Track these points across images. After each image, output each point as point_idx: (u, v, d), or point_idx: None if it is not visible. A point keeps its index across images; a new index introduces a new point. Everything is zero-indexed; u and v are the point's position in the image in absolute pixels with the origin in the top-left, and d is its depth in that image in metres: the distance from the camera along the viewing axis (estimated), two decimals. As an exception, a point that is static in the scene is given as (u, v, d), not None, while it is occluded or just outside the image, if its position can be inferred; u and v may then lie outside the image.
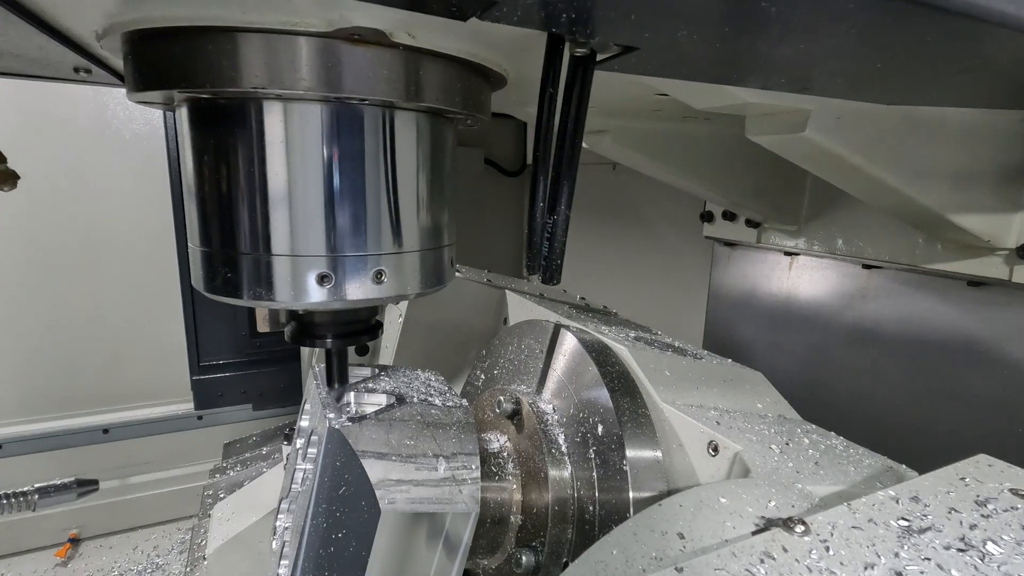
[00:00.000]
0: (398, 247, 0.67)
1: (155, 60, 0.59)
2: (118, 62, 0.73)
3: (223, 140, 0.62)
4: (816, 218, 1.49)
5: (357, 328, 0.76)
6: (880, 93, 0.83)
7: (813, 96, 0.83)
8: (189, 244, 0.69)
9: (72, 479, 1.27)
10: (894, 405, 1.39)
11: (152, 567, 2.38)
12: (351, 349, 0.81)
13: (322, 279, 0.63)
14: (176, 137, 2.40)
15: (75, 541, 2.48)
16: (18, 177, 1.04)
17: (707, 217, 1.81)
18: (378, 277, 0.66)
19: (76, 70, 0.85)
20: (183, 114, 0.65)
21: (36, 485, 1.20)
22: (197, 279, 0.69)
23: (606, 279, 2.62)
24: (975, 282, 1.22)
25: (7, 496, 1.19)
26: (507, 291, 1.36)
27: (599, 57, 0.59)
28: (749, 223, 1.66)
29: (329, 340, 0.75)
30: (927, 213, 1.03)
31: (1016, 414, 1.19)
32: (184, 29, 0.56)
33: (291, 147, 0.61)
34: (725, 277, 1.86)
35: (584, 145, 1.10)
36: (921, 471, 0.68)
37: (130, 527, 2.59)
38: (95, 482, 1.28)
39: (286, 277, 0.63)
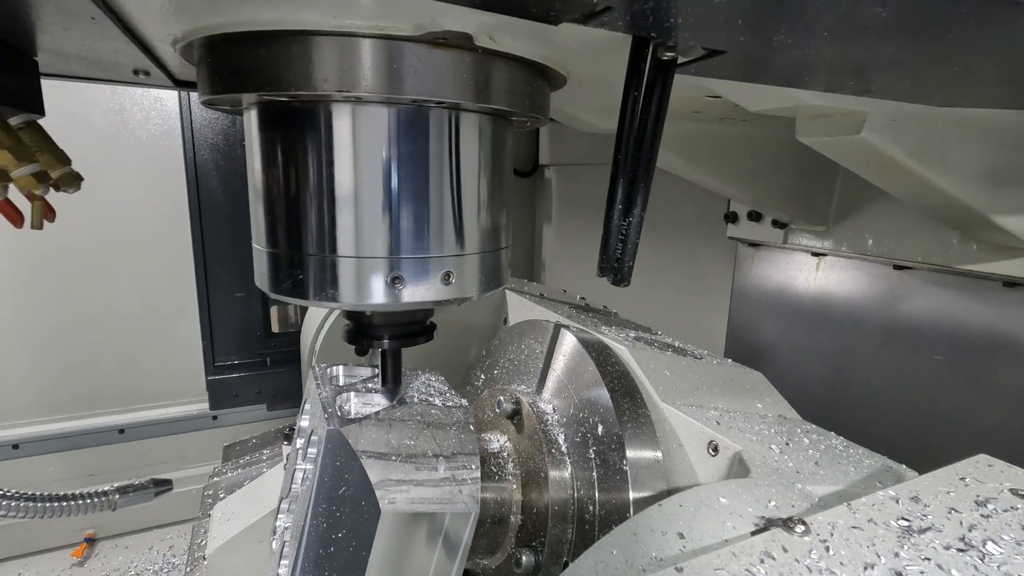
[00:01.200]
0: (462, 249, 0.67)
1: (236, 64, 0.59)
2: (176, 64, 0.74)
3: (294, 142, 0.62)
4: (845, 218, 1.46)
5: (415, 329, 0.77)
6: (937, 95, 0.82)
7: (871, 98, 0.82)
8: (254, 245, 0.69)
9: (148, 479, 1.31)
10: (926, 408, 1.37)
11: (168, 567, 2.39)
12: (350, 349, 0.81)
13: (394, 281, 0.64)
14: (192, 140, 2.42)
15: (91, 541, 2.49)
16: (82, 179, 1.05)
17: (731, 218, 1.77)
18: (447, 279, 0.66)
19: (136, 72, 0.85)
20: (252, 117, 0.65)
21: (115, 485, 1.22)
22: (262, 280, 0.69)
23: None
24: (1011, 283, 1.20)
25: (89, 496, 1.21)
26: (507, 291, 1.36)
27: (680, 60, 0.59)
28: (776, 224, 1.62)
29: (386, 341, 0.75)
30: (970, 214, 1.02)
31: None
32: (267, 33, 0.56)
33: (361, 149, 0.61)
34: (749, 278, 1.82)
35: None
36: (919, 459, 0.68)
37: (146, 527, 2.61)
38: (169, 482, 1.31)
39: (356, 279, 0.63)
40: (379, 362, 0.79)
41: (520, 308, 1.29)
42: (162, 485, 1.32)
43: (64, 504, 1.24)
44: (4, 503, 1.18)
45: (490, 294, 0.73)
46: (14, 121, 0.85)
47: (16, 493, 1.21)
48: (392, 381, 0.79)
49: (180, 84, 0.93)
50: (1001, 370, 1.24)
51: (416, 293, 0.65)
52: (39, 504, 1.21)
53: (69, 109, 2.27)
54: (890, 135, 0.88)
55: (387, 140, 0.61)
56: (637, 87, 0.59)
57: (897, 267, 1.40)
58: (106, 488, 1.24)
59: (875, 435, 1.44)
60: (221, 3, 0.53)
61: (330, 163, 0.61)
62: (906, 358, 1.40)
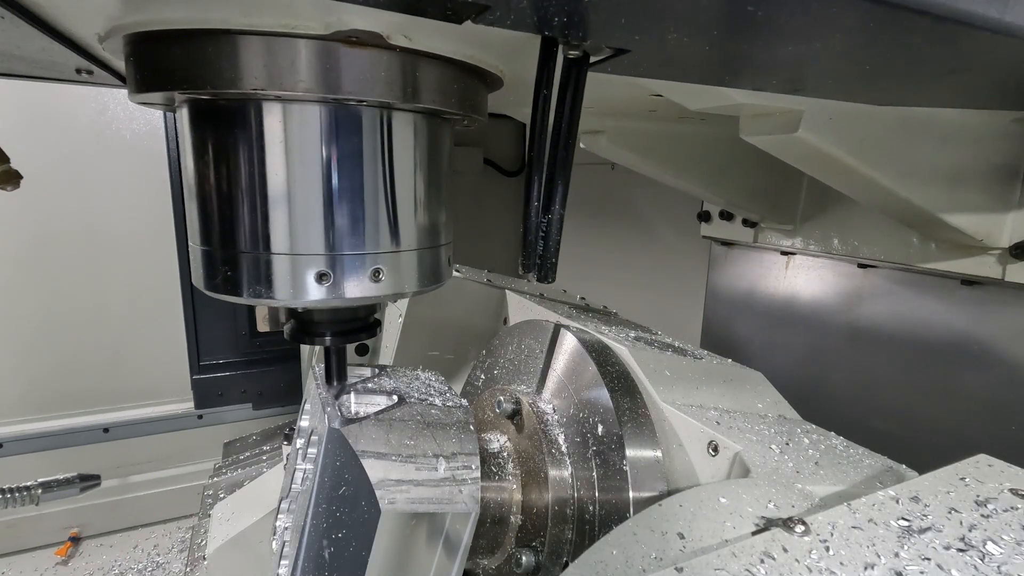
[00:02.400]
0: (396, 246, 0.68)
1: (156, 62, 0.60)
2: (119, 63, 0.73)
3: (223, 140, 0.62)
4: (812, 218, 1.50)
5: (356, 326, 0.77)
6: (870, 94, 0.83)
7: (805, 97, 0.84)
8: (190, 243, 0.70)
9: (75, 474, 1.28)
10: (890, 402, 1.41)
11: (152, 565, 2.38)
12: (351, 349, 0.81)
13: (321, 277, 0.64)
14: (176, 137, 2.43)
15: (76, 540, 2.48)
16: (21, 177, 1.05)
17: (704, 217, 1.82)
18: (376, 275, 0.67)
19: (78, 71, 0.85)
20: (183, 115, 0.66)
21: (39, 480, 1.20)
22: (197, 278, 0.70)
23: (604, 278, 2.63)
24: (969, 281, 1.23)
25: (11, 491, 1.20)
26: (507, 291, 1.36)
27: (592, 59, 0.60)
28: (746, 223, 1.67)
29: (328, 338, 0.75)
30: (920, 213, 1.04)
31: (1009, 412, 1.20)
32: (185, 32, 0.56)
33: (290, 147, 0.61)
34: (722, 276, 1.87)
35: (581, 145, 1.13)
36: (919, 469, 0.68)
37: (131, 526, 2.60)
38: (97, 477, 1.29)
39: (285, 276, 0.64)
40: (324, 362, 0.79)
41: (520, 308, 1.29)
42: (89, 480, 1.30)
43: None
44: None
45: (429, 290, 0.74)
46: None
47: None
48: (337, 379, 0.79)
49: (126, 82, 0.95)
50: (960, 366, 1.27)
51: (345, 290, 0.65)
52: None
53: (53, 109, 2.27)
54: (828, 133, 0.90)
55: (313, 138, 0.61)
56: (547, 85, 0.60)
57: (861, 265, 1.44)
58: (28, 484, 1.22)
59: (842, 427, 1.45)
60: (130, 1, 0.53)
61: (257, 161, 0.61)
62: (870, 354, 1.44)
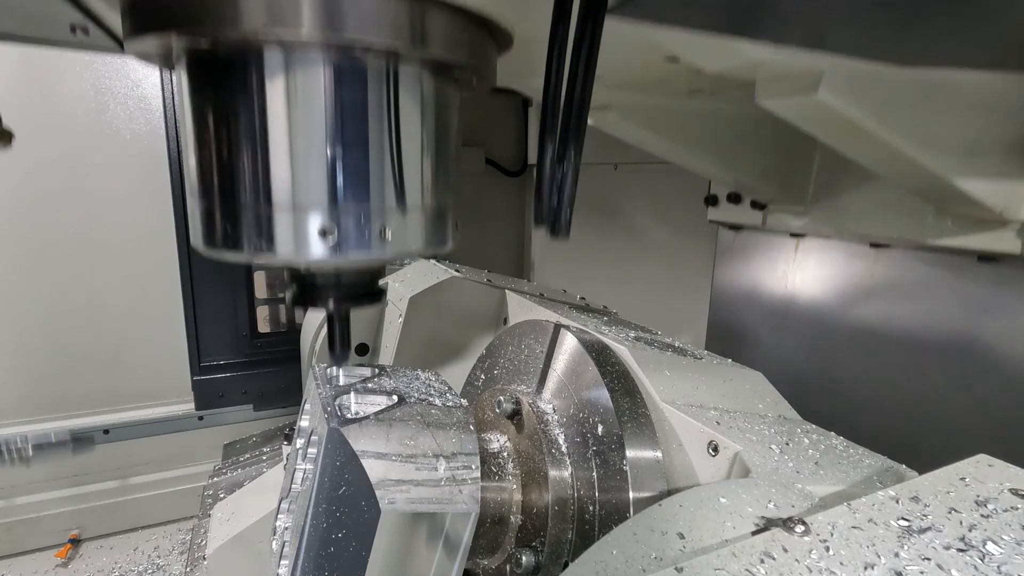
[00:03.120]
0: (401, 205, 0.65)
1: (151, 3, 0.57)
2: (114, 19, 0.71)
3: (223, 91, 0.60)
4: (823, 198, 1.46)
5: (359, 291, 0.74)
6: (896, 50, 0.79)
7: (826, 56, 0.80)
8: (188, 201, 0.67)
9: (67, 433, 1.26)
10: (903, 385, 1.37)
11: (153, 567, 2.37)
12: (350, 348, 0.80)
13: (324, 233, 0.62)
14: (176, 138, 2.43)
15: (75, 542, 2.47)
16: (13, 135, 1.03)
17: (712, 201, 1.77)
18: (381, 233, 0.64)
19: (73, 29, 0.82)
20: (181, 68, 0.63)
21: (31, 437, 1.18)
22: (196, 237, 0.67)
23: (609, 276, 2.63)
24: (986, 257, 1.19)
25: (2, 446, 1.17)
26: (507, 291, 1.36)
27: (610, 4, 0.57)
28: (755, 205, 1.62)
29: (331, 301, 0.73)
30: (938, 183, 1.00)
31: None
32: None
33: (293, 97, 0.59)
34: (730, 262, 1.83)
35: (589, 122, 1.10)
36: (925, 464, 0.68)
37: (131, 528, 2.59)
38: (91, 438, 1.26)
39: (287, 230, 0.62)
40: (327, 330, 0.77)
41: (520, 308, 1.29)
42: (81, 440, 1.28)
43: None
44: None
45: (433, 253, 0.72)
46: None
47: None
48: (340, 346, 0.77)
49: (122, 44, 0.95)
50: (976, 344, 1.23)
51: (349, 247, 0.63)
52: None
53: (53, 109, 2.27)
54: (848, 95, 0.87)
55: (317, 87, 0.59)
56: (564, 24, 0.57)
57: (874, 245, 1.40)
58: (18, 441, 1.19)
59: (853, 415, 1.44)
60: None
61: (259, 111, 0.59)
62: (884, 338, 1.40)
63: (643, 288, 2.41)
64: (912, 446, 1.35)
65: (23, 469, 1.19)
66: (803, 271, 1.59)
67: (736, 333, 1.82)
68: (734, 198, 1.68)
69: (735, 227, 1.77)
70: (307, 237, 0.62)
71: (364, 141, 0.61)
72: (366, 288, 0.75)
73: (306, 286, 0.73)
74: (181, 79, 0.64)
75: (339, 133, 0.60)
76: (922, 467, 0.68)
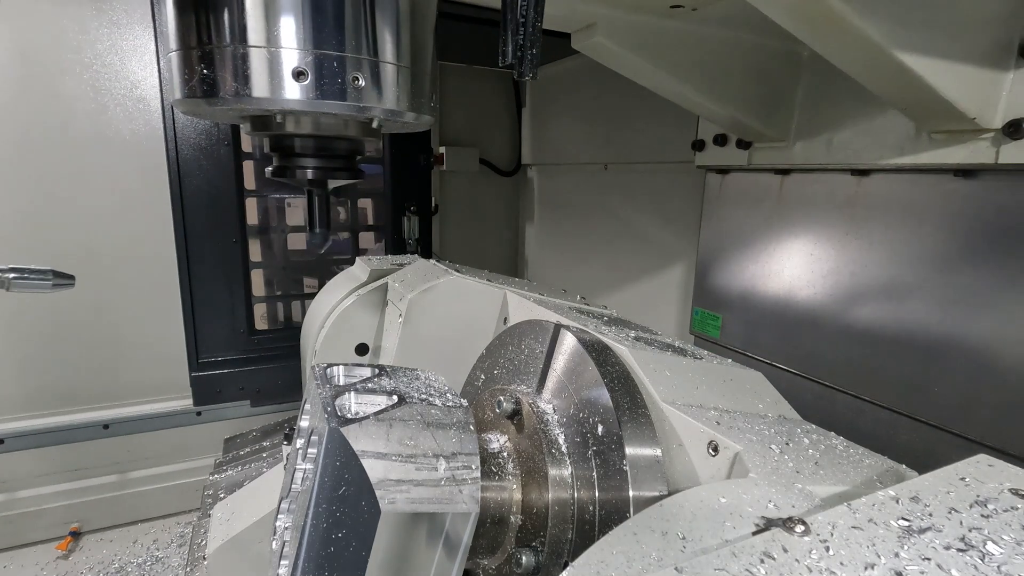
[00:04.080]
0: (375, 55, 0.66)
1: None
2: None
3: None
4: (806, 130, 1.49)
5: (337, 164, 0.76)
6: None
7: None
8: (169, 55, 0.68)
9: (49, 268, 1.25)
10: (883, 312, 1.41)
11: (152, 560, 2.41)
12: (351, 349, 0.81)
13: (298, 75, 0.63)
14: (175, 138, 2.46)
15: (76, 535, 2.51)
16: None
17: (698, 146, 1.80)
18: (354, 82, 0.65)
19: None
20: None
21: (12, 266, 1.17)
22: (175, 87, 0.68)
23: (598, 268, 2.71)
24: (962, 171, 1.21)
25: None
26: (507, 291, 1.36)
27: None
28: (740, 144, 1.65)
29: (310, 171, 0.75)
30: (914, 85, 1.01)
31: (1007, 310, 1.18)
32: None
33: None
34: (717, 207, 1.85)
35: (573, 46, 1.13)
36: (919, 468, 0.68)
37: (130, 521, 2.64)
38: (72, 278, 1.25)
39: (262, 70, 0.62)
40: (307, 206, 0.78)
41: (520, 308, 1.29)
42: (63, 278, 1.27)
43: None
44: None
45: (406, 115, 0.72)
46: None
47: None
48: (320, 223, 0.78)
49: None
50: (955, 260, 1.25)
51: (322, 93, 0.64)
52: None
53: (52, 110, 2.30)
54: None
55: None
56: None
57: (855, 173, 1.43)
58: (2, 267, 1.19)
59: (837, 352, 1.47)
60: None
61: None
62: (866, 265, 1.42)
63: (630, 280, 2.50)
64: (887, 370, 1.37)
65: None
66: (788, 208, 1.62)
67: (723, 279, 1.83)
68: (720, 140, 1.71)
69: (722, 171, 1.79)
70: (282, 78, 0.62)
71: None
72: (344, 161, 0.76)
73: (286, 153, 0.74)
74: None
75: None
76: (922, 467, 0.68)
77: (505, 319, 1.37)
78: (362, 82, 0.65)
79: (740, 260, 1.78)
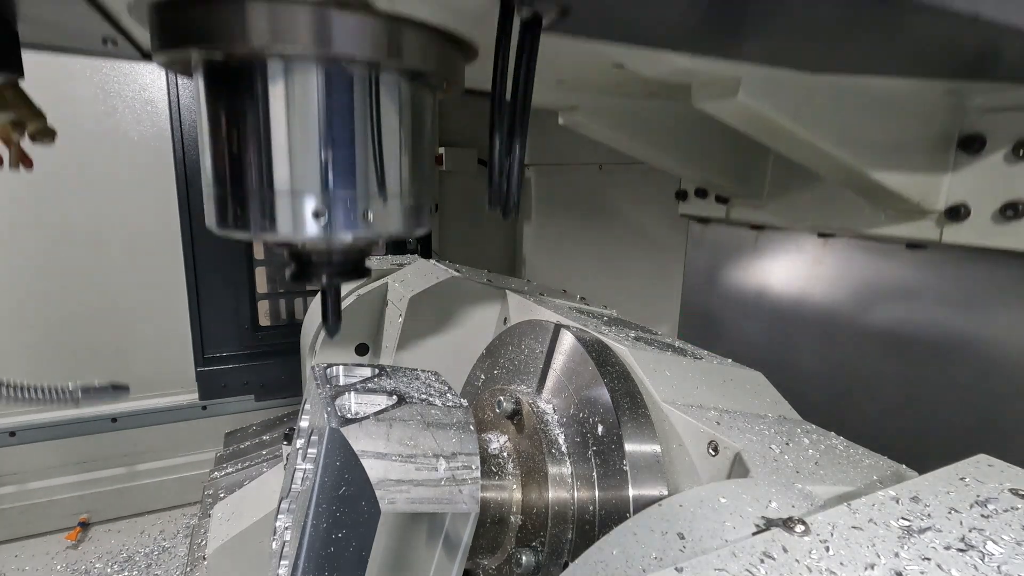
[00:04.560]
0: (382, 192, 0.77)
1: (178, 24, 0.69)
2: (141, 34, 0.84)
3: (233, 94, 0.72)
4: (777, 193, 1.61)
5: (348, 268, 0.86)
6: (806, 61, 0.89)
7: (742, 64, 0.89)
8: (204, 189, 0.79)
9: (108, 383, 1.43)
10: (846, 362, 1.56)
11: (159, 550, 2.47)
12: (351, 349, 0.84)
13: (316, 215, 0.73)
14: (181, 139, 2.49)
15: (85, 525, 2.56)
16: (55, 133, 1.17)
17: (682, 196, 1.95)
18: (365, 216, 0.76)
19: (104, 41, 0.95)
20: (199, 74, 0.75)
21: (78, 383, 1.36)
22: (211, 219, 0.79)
23: (593, 267, 2.75)
24: (912, 244, 1.34)
25: (56, 390, 1.33)
26: (507, 291, 1.36)
27: (544, 21, 0.68)
28: (719, 199, 1.79)
29: (324, 277, 0.84)
30: (861, 177, 1.09)
31: (950, 364, 1.33)
32: None
33: (291, 100, 0.70)
34: (700, 252, 2.02)
35: (560, 121, 1.32)
36: (919, 469, 0.68)
37: (137, 512, 2.69)
38: (127, 387, 1.43)
39: (287, 212, 0.73)
40: (322, 303, 0.89)
41: (520, 308, 1.29)
42: (120, 388, 1.44)
43: (32, 394, 1.33)
44: None
45: (410, 233, 0.84)
46: None
47: None
48: (332, 318, 0.87)
49: (146, 56, 1.04)
50: (906, 324, 1.41)
51: (338, 227, 0.74)
52: (8, 389, 1.30)
53: (63, 113, 2.33)
54: (765, 98, 0.96)
55: (311, 91, 0.70)
56: (506, 36, 0.68)
57: (821, 235, 1.57)
58: (70, 386, 1.37)
59: (807, 392, 1.65)
60: None
61: (263, 111, 0.70)
62: (830, 318, 1.59)
63: (622, 277, 2.57)
64: (845, 419, 1.54)
65: (73, 409, 1.38)
66: (763, 260, 1.78)
67: (706, 317, 2.00)
68: (701, 193, 1.85)
69: (703, 220, 1.95)
70: (303, 218, 0.73)
71: (351, 137, 0.73)
72: (354, 265, 0.86)
73: (303, 263, 0.85)
74: (198, 85, 0.75)
75: (329, 131, 0.72)
76: (922, 467, 0.68)
77: (505, 319, 1.37)
78: (372, 216, 0.76)
79: (720, 304, 1.94)
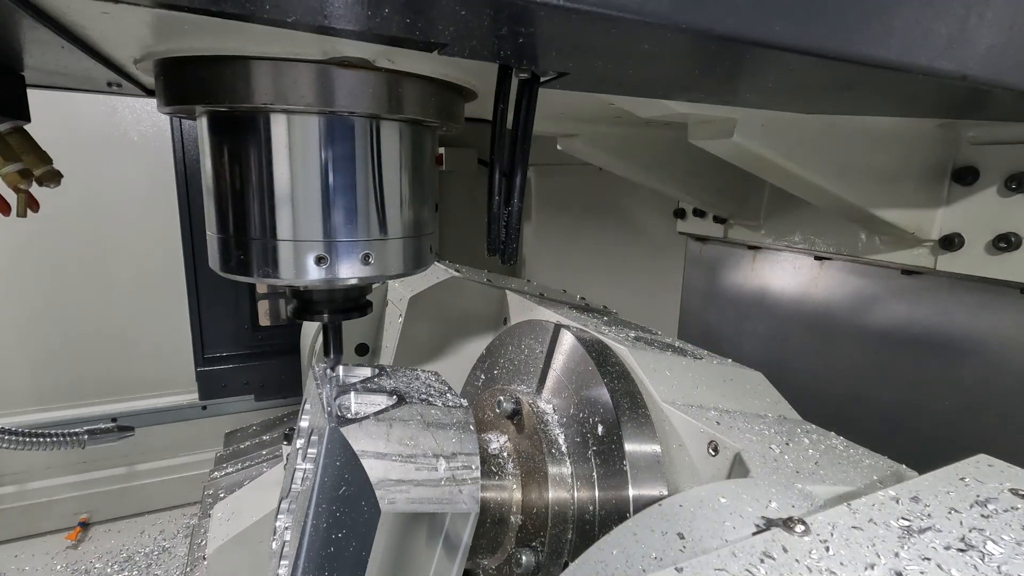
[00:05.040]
0: (383, 235, 0.78)
1: (184, 81, 0.70)
2: (145, 78, 0.87)
3: (237, 144, 0.73)
4: (775, 215, 1.62)
5: (349, 305, 0.87)
6: (796, 106, 0.92)
7: (738, 108, 0.93)
8: (207, 232, 0.80)
9: (113, 425, 1.47)
10: (842, 382, 1.57)
11: (159, 550, 2.47)
12: (351, 350, 0.84)
13: (319, 260, 0.74)
14: (182, 139, 2.49)
15: (85, 525, 2.57)
16: (61, 176, 1.19)
17: (680, 214, 1.96)
18: (366, 259, 0.77)
19: (109, 84, 0.98)
20: (203, 123, 0.76)
21: (85, 428, 1.40)
22: (214, 262, 0.80)
23: (591, 269, 2.75)
24: (907, 271, 1.36)
25: (63, 435, 1.36)
26: (507, 291, 1.36)
27: (541, 79, 0.70)
28: (716, 219, 1.80)
29: (326, 315, 0.86)
30: (856, 209, 1.12)
31: (941, 388, 1.34)
32: (207, 57, 0.66)
33: (293, 151, 0.71)
34: (697, 270, 2.03)
35: (558, 147, 1.36)
36: (918, 469, 0.68)
37: (137, 512, 2.70)
38: (132, 429, 1.47)
39: (289, 259, 0.74)
40: (323, 336, 0.90)
41: (520, 308, 1.29)
42: (125, 430, 1.48)
43: (40, 440, 1.36)
44: None
45: (412, 274, 0.85)
46: (2, 128, 0.99)
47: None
48: (335, 351, 0.89)
49: (150, 93, 1.07)
50: (901, 350, 1.41)
51: (340, 271, 0.76)
52: (17, 437, 1.33)
53: (63, 112, 2.36)
54: (760, 138, 0.99)
55: (313, 143, 0.72)
56: (504, 100, 0.70)
57: (818, 258, 1.58)
58: (77, 430, 1.38)
59: (801, 409, 1.61)
60: (165, 34, 0.63)
61: (267, 162, 0.72)
62: (826, 339, 1.60)
63: (621, 278, 2.56)
64: (848, 429, 1.49)
65: (78, 450, 1.41)
66: (760, 279, 1.78)
67: (704, 333, 2.01)
68: (699, 213, 1.87)
69: (701, 239, 1.95)
70: (306, 264, 0.74)
71: (352, 185, 0.74)
72: (355, 303, 0.88)
73: (304, 301, 0.86)
74: (202, 132, 0.76)
75: (332, 180, 0.73)
76: (922, 467, 0.68)
77: (505, 319, 1.37)
78: (373, 258, 0.78)
79: (718, 320, 1.95)
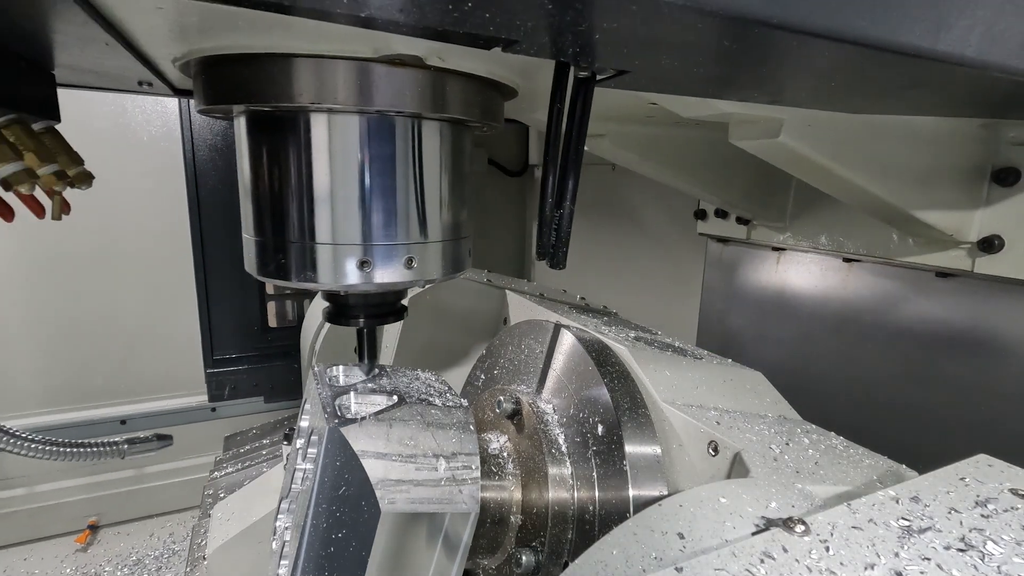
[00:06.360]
0: (425, 238, 0.77)
1: (225, 80, 0.69)
2: (177, 76, 0.86)
3: (277, 145, 0.71)
4: (801, 216, 1.59)
5: (386, 310, 0.85)
6: (843, 105, 0.91)
7: (785, 107, 0.92)
8: (244, 235, 0.78)
9: (152, 434, 1.47)
10: (871, 387, 1.52)
11: (168, 552, 2.46)
12: (351, 349, 0.84)
13: (362, 264, 0.73)
14: (191, 141, 2.51)
15: (94, 528, 2.56)
16: (93, 177, 1.18)
17: (701, 215, 1.92)
18: (409, 263, 0.75)
19: (140, 83, 0.98)
20: (241, 123, 0.74)
21: (124, 437, 1.40)
22: (251, 265, 0.78)
23: (606, 273, 2.70)
24: (943, 273, 1.32)
25: (104, 444, 1.37)
26: (507, 291, 1.36)
27: (599, 77, 0.68)
28: (740, 220, 1.76)
29: (362, 320, 0.84)
30: (894, 210, 1.11)
31: (978, 394, 1.30)
32: (250, 55, 0.65)
33: (334, 152, 0.70)
34: (718, 272, 1.97)
35: (584, 148, 1.18)
36: (919, 469, 0.68)
37: (147, 515, 2.69)
38: (170, 437, 1.47)
39: (328, 263, 0.73)
40: (357, 340, 0.88)
41: (520, 308, 1.29)
42: (164, 439, 1.48)
43: (80, 450, 1.36)
44: (25, 444, 1.29)
45: (452, 277, 0.84)
46: (35, 127, 0.95)
47: (38, 437, 1.32)
48: (369, 357, 0.87)
49: (178, 92, 1.05)
50: (934, 354, 1.37)
51: (383, 275, 0.74)
52: (58, 448, 1.33)
53: (73, 112, 2.34)
54: (806, 138, 0.98)
55: (357, 144, 0.70)
56: (560, 100, 0.69)
57: (846, 260, 1.53)
58: (116, 439, 1.39)
59: (828, 411, 1.61)
60: (213, 31, 0.61)
61: (308, 163, 0.70)
62: (855, 344, 1.55)
63: (638, 285, 2.50)
64: (878, 435, 1.48)
65: (117, 459, 1.42)
66: (784, 281, 1.74)
67: (723, 337, 1.95)
68: (721, 213, 1.82)
69: (722, 240, 1.91)
70: (345, 268, 0.73)
71: (394, 187, 0.73)
72: (391, 307, 0.86)
73: (340, 306, 0.84)
74: (240, 133, 0.75)
75: (373, 181, 0.71)
76: (922, 467, 0.68)
77: (505, 319, 1.37)
78: (415, 262, 0.76)
79: (739, 325, 1.90)
